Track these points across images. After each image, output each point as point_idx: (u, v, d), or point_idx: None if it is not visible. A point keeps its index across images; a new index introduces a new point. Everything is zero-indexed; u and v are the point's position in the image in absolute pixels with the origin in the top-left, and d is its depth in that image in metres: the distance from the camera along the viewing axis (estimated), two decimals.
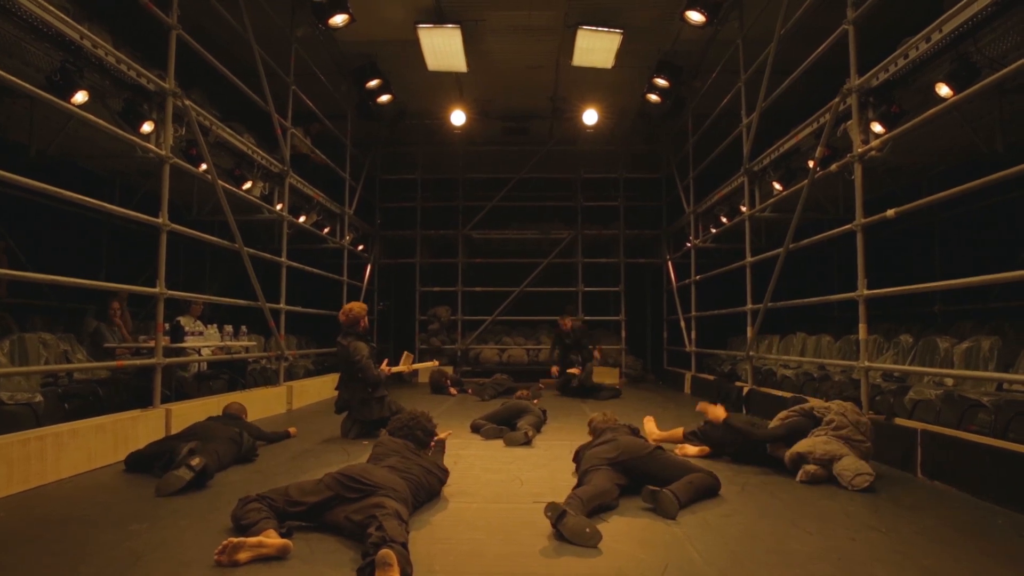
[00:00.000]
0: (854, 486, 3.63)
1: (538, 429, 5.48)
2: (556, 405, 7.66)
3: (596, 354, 9.19)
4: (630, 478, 3.44)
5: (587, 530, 2.70)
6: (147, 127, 5.23)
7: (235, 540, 2.44)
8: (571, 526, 2.72)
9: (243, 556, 2.43)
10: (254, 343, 7.73)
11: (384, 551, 2.26)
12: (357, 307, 5.52)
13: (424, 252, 12.54)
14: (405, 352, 5.96)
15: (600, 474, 3.35)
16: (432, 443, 3.80)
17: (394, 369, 5.57)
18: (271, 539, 2.52)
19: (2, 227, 6.65)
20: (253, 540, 2.48)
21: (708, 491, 3.44)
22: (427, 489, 3.28)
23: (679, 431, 4.82)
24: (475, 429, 5.57)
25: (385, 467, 3.09)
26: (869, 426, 3.98)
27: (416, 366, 6.28)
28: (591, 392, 8.60)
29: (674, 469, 3.51)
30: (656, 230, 12.34)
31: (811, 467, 3.82)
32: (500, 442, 5.10)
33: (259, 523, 2.62)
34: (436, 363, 7.84)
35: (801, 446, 3.93)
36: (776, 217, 7.97)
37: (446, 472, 3.55)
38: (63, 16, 4.27)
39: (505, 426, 5.45)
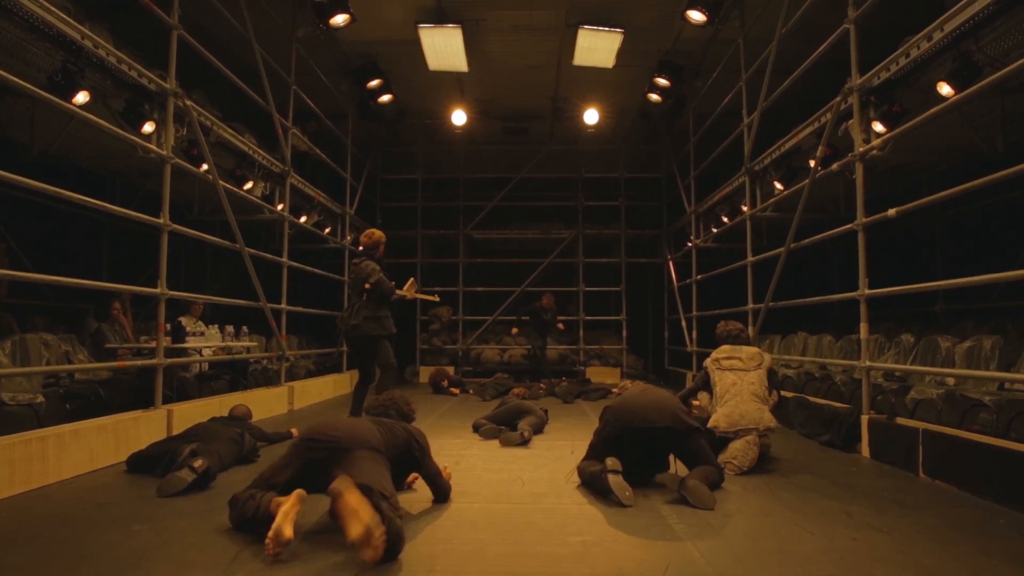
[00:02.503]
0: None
1: (539, 430, 5.48)
2: (557, 405, 7.66)
3: (560, 327, 10.56)
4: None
5: (711, 493, 3.24)
6: (148, 127, 5.23)
7: (270, 533, 2.42)
8: (697, 489, 3.24)
9: (287, 532, 2.43)
10: (255, 343, 7.74)
11: (335, 483, 2.31)
12: (378, 233, 5.71)
13: (425, 252, 12.54)
14: (411, 279, 5.97)
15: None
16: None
17: (399, 292, 5.63)
18: (287, 501, 2.51)
19: (3, 227, 6.65)
20: (279, 517, 2.46)
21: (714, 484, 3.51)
22: (402, 446, 3.14)
23: None
24: (476, 429, 5.57)
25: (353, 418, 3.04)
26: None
27: (419, 295, 6.14)
28: (582, 393, 8.67)
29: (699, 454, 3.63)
30: (657, 230, 12.34)
31: (730, 463, 4.04)
32: (501, 442, 5.11)
33: (260, 502, 2.62)
34: (437, 297, 7.08)
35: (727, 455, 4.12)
36: (777, 216, 7.96)
37: (423, 435, 3.35)
38: (64, 16, 4.27)
39: (505, 426, 5.44)
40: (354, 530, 2.30)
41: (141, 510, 3.16)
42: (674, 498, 3.34)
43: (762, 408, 4.13)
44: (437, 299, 7.03)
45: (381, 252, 5.60)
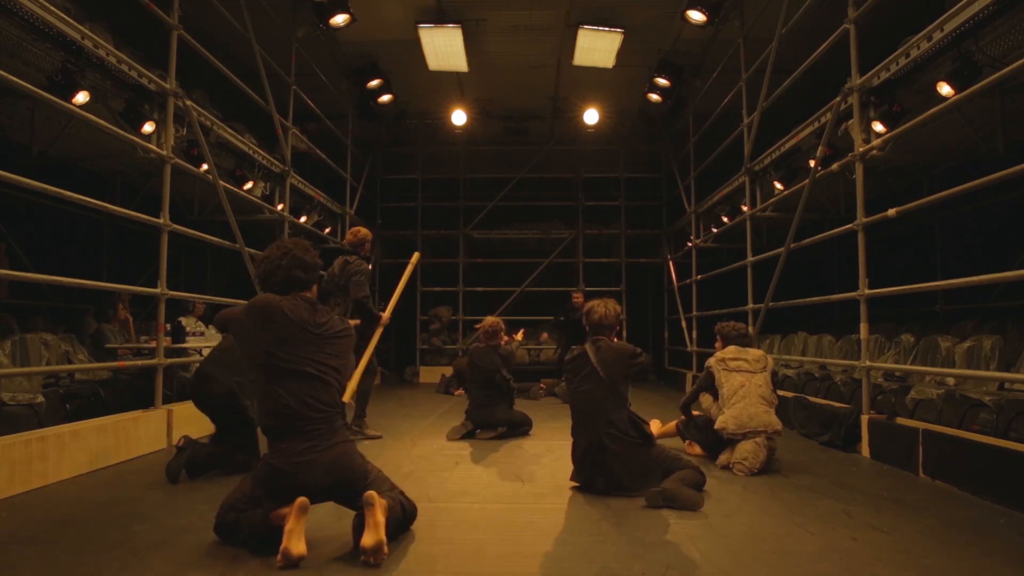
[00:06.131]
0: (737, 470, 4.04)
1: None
2: (557, 405, 7.66)
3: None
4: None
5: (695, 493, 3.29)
6: (148, 127, 5.23)
7: (278, 556, 2.37)
8: (678, 492, 3.23)
9: (295, 550, 2.39)
10: None
11: (369, 494, 2.49)
12: (364, 231, 5.51)
13: (425, 252, 12.53)
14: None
15: None
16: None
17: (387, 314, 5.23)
18: (289, 517, 2.43)
19: (3, 227, 6.65)
20: (284, 537, 2.39)
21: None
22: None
23: (672, 425, 4.88)
24: (461, 435, 5.40)
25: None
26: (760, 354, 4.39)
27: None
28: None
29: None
30: (657, 230, 12.33)
31: (740, 464, 4.04)
32: (501, 443, 5.12)
33: (254, 518, 2.55)
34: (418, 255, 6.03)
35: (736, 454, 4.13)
36: (777, 217, 7.96)
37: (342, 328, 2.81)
38: (64, 16, 4.27)
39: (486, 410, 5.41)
40: (369, 539, 2.43)
41: (141, 510, 3.17)
42: (655, 504, 3.24)
43: (769, 411, 4.14)
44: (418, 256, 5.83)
45: (367, 250, 5.48)
